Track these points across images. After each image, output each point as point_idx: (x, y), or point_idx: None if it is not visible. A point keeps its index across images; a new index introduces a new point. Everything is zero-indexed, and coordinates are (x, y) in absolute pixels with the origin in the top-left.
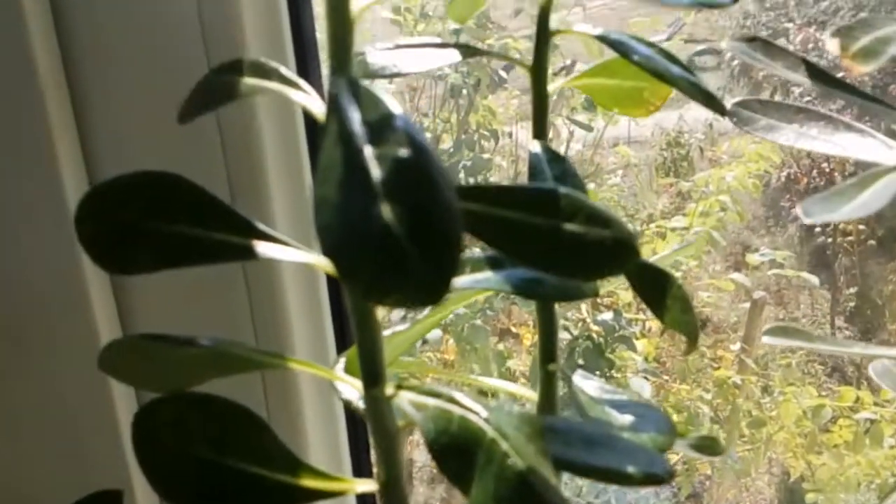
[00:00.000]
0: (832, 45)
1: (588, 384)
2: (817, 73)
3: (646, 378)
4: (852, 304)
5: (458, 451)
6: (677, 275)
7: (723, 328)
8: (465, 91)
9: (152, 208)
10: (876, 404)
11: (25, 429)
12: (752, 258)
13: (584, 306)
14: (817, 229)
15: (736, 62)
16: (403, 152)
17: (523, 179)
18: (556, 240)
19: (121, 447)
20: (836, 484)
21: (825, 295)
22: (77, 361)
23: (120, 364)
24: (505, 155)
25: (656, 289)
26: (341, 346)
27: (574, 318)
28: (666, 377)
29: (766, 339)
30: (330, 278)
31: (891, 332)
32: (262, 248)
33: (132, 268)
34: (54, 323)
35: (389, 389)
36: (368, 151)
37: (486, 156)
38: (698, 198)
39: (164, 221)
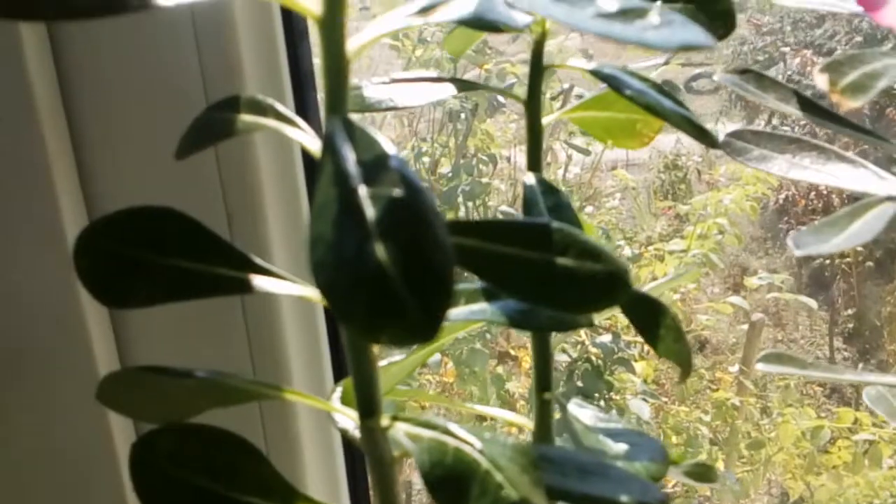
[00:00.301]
0: (821, 81)
1: (583, 413)
2: (809, 106)
3: (645, 400)
4: (850, 325)
5: (452, 482)
6: (675, 297)
7: (721, 350)
8: (463, 115)
9: (150, 242)
10: (874, 425)
11: (24, 459)
12: (751, 282)
13: (583, 329)
14: None
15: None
16: (397, 192)
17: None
18: (549, 274)
19: (119, 477)
20: None
21: (823, 316)
22: (75, 392)
23: (118, 396)
24: (503, 178)
25: (650, 319)
26: (338, 374)
27: (573, 340)
28: (665, 399)
29: (760, 367)
30: (327, 309)
31: (889, 352)
32: (259, 281)
33: (130, 302)
34: (53, 354)
35: (385, 421)
36: (363, 191)
37: (484, 180)
38: (696, 221)
39: (161, 255)
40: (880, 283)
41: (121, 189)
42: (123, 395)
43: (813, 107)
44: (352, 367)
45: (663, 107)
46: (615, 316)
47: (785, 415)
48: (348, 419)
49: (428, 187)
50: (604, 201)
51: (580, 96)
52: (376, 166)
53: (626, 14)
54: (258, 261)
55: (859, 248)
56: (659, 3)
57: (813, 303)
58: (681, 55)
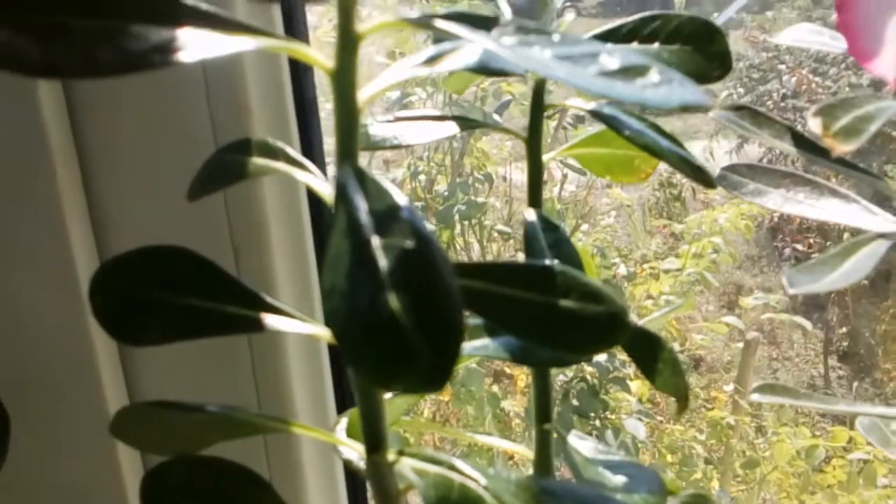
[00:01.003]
0: (814, 124)
1: (582, 444)
2: (803, 142)
3: (640, 419)
4: (845, 343)
5: None
6: (671, 316)
7: (716, 368)
8: (458, 134)
9: (163, 282)
10: (869, 444)
11: (33, 490)
12: (746, 302)
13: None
14: None
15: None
16: (409, 243)
17: (517, 219)
18: (552, 316)
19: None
20: None
21: (818, 334)
22: (84, 424)
23: (131, 429)
24: (499, 196)
25: (648, 353)
26: (341, 403)
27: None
28: (660, 418)
29: (754, 397)
30: (333, 348)
31: (883, 371)
32: (269, 320)
33: (144, 340)
34: (63, 386)
35: (391, 455)
36: (375, 242)
37: (480, 199)
38: (691, 240)
39: (174, 294)
40: (875, 302)
41: (130, 224)
42: (135, 429)
43: (807, 143)
44: (359, 404)
45: (660, 146)
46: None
47: (780, 434)
48: (354, 451)
49: (436, 236)
50: (599, 219)
51: (576, 117)
52: (388, 216)
53: (627, 72)
54: (268, 299)
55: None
56: (658, 51)
57: (808, 323)
58: None
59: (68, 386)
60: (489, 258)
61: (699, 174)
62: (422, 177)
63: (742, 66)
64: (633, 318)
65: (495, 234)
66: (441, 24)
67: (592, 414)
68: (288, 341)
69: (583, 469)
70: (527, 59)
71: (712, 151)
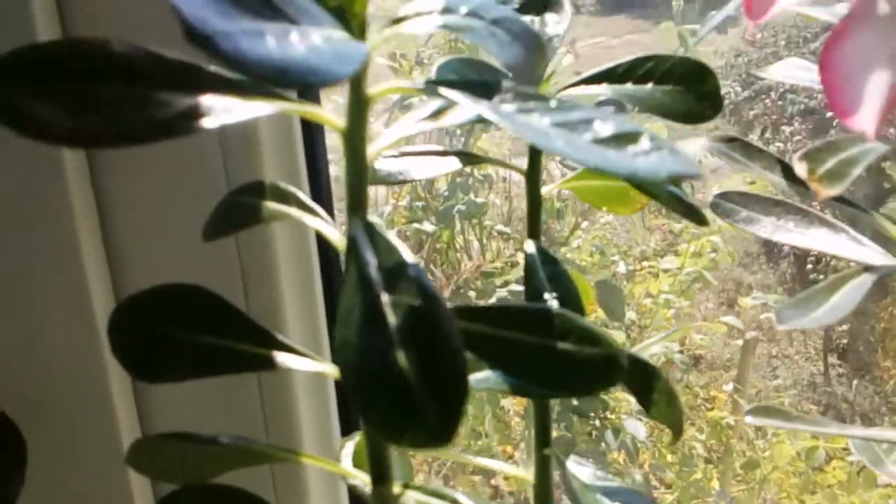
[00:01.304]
0: (800, 169)
1: (581, 470)
2: (792, 174)
3: (640, 419)
4: (845, 341)
5: None
6: (670, 313)
7: (716, 365)
8: (458, 132)
9: (179, 319)
10: None
11: None
12: (745, 301)
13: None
14: (809, 266)
15: (726, 101)
16: (416, 301)
17: (517, 215)
18: (551, 358)
19: None
20: None
21: (818, 332)
22: (98, 454)
23: (145, 460)
24: (499, 193)
25: (643, 383)
26: (345, 426)
27: None
28: None
29: (748, 420)
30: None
31: (883, 368)
32: (280, 358)
33: (162, 377)
34: (78, 418)
35: (397, 488)
36: (385, 298)
37: (480, 199)
38: (689, 238)
39: (190, 332)
40: (874, 300)
41: (144, 261)
42: (150, 460)
43: (796, 176)
44: (367, 440)
45: (653, 186)
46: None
47: (779, 434)
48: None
49: (441, 294)
50: (598, 216)
51: None
52: (396, 273)
53: (619, 139)
54: (280, 337)
55: (852, 264)
56: (647, 130)
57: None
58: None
59: (83, 417)
60: (489, 256)
61: (691, 213)
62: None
63: (741, 61)
64: (629, 348)
65: (495, 233)
66: (445, 92)
67: (592, 414)
68: (295, 375)
69: (581, 495)
70: (526, 129)
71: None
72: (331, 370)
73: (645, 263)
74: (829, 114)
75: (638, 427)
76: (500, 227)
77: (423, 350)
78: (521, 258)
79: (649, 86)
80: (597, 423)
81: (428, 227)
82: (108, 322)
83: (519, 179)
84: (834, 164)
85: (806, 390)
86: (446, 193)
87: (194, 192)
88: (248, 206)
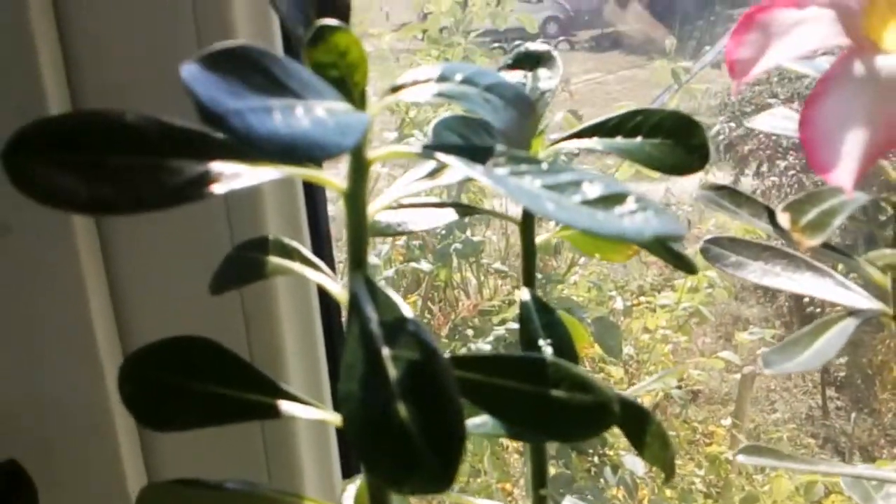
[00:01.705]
0: (782, 220)
1: None
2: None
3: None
4: (843, 373)
5: None
6: (668, 348)
7: (714, 400)
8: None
9: (188, 371)
10: None
11: None
12: (742, 337)
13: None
14: (805, 299)
15: (721, 137)
16: (415, 355)
17: (514, 251)
18: (544, 405)
19: None
20: None
21: None
22: (104, 497)
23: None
24: (495, 230)
25: (636, 426)
26: (346, 468)
27: None
28: None
29: (740, 459)
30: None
31: (881, 401)
32: (284, 406)
33: (171, 426)
34: (85, 462)
35: None
36: (385, 352)
37: (477, 238)
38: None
39: (199, 382)
40: (871, 332)
41: (150, 309)
42: None
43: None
44: (368, 484)
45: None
46: (608, 370)
47: (778, 469)
48: None
49: (439, 348)
50: None
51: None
52: (396, 328)
53: (606, 200)
54: (285, 387)
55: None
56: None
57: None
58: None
59: (91, 463)
60: (486, 294)
61: (680, 262)
62: None
63: (734, 100)
64: (627, 393)
65: (492, 271)
66: (441, 157)
67: (591, 450)
68: (297, 419)
69: None
70: (518, 192)
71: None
72: (333, 418)
73: (642, 299)
74: None
75: (636, 463)
76: (497, 265)
77: (422, 402)
78: (518, 296)
79: (639, 139)
80: (595, 459)
81: (425, 265)
82: (118, 372)
83: (516, 217)
84: (815, 215)
85: (804, 424)
86: (443, 232)
87: (198, 245)
88: (253, 261)
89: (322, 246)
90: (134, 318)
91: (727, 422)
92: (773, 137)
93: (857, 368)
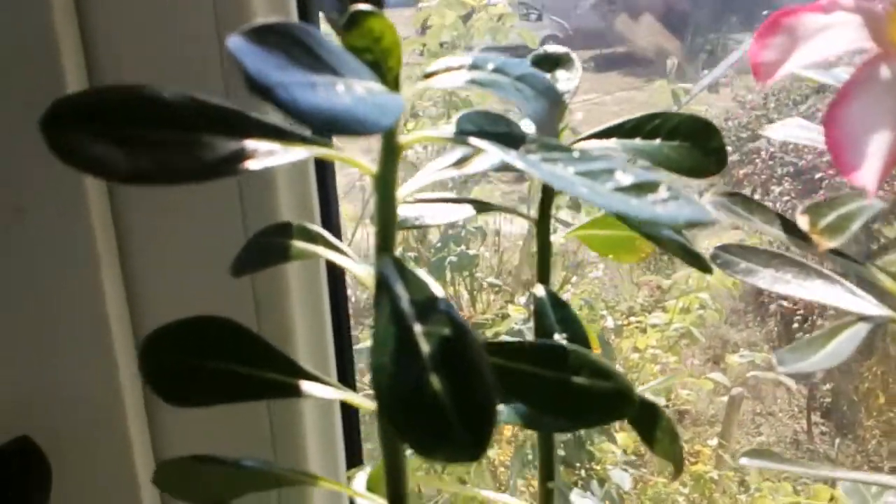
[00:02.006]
0: (802, 222)
1: (585, 502)
2: (791, 228)
3: (625, 470)
4: (828, 399)
5: None
6: (657, 368)
7: (700, 421)
8: (450, 185)
9: (207, 349)
10: None
11: None
12: (732, 359)
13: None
14: (795, 325)
15: None
16: (448, 331)
17: (507, 268)
18: (566, 391)
19: None
20: None
21: (802, 390)
22: (113, 476)
23: (171, 480)
24: (488, 246)
25: (648, 422)
26: (350, 459)
27: None
28: (644, 470)
29: (743, 461)
30: (343, 405)
31: (866, 428)
32: (305, 386)
33: (191, 402)
34: (94, 444)
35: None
36: (418, 328)
37: (471, 252)
38: (678, 294)
39: (218, 361)
40: (858, 360)
41: (161, 291)
42: (175, 480)
43: (795, 230)
44: (386, 463)
45: (660, 235)
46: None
47: (762, 489)
48: None
49: (469, 324)
50: (587, 271)
51: None
52: (427, 306)
53: (639, 188)
54: (308, 368)
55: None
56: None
57: (791, 382)
58: None
59: (100, 442)
60: (479, 308)
61: (697, 261)
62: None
63: (731, 125)
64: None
65: (486, 285)
66: (474, 141)
67: (578, 464)
68: (304, 401)
69: None
70: (552, 177)
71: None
72: (353, 398)
73: (633, 318)
74: (818, 175)
75: (623, 478)
76: (490, 279)
77: (454, 375)
78: (511, 310)
79: (657, 141)
80: (582, 472)
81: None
82: (139, 350)
83: (509, 233)
84: (834, 219)
85: (789, 447)
86: (438, 244)
87: (211, 229)
88: (276, 245)
89: (333, 234)
90: (146, 302)
91: (713, 442)
92: (770, 163)
93: (843, 395)
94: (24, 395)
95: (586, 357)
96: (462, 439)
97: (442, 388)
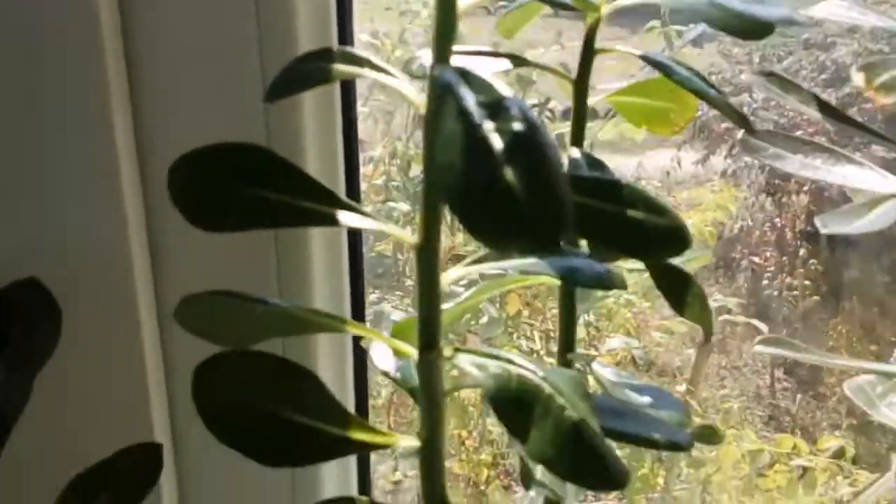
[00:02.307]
0: (857, 79)
1: (605, 371)
2: (827, 109)
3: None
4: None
5: (517, 404)
6: (629, 315)
7: (666, 372)
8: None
9: (240, 173)
10: (811, 453)
11: (69, 394)
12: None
13: (539, 338)
14: (765, 282)
15: (699, 114)
16: (519, 126)
17: None
18: (621, 224)
19: (149, 419)
20: None
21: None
22: (118, 325)
23: (192, 315)
24: None
25: (679, 288)
26: (355, 312)
27: (530, 348)
28: None
29: (757, 349)
30: (351, 251)
31: (827, 385)
32: (343, 216)
33: (221, 226)
34: (99, 288)
35: (448, 351)
36: (488, 125)
37: None
38: None
39: (252, 186)
40: (824, 319)
41: (171, 130)
42: (196, 316)
43: (830, 109)
44: (420, 301)
45: (708, 92)
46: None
47: (727, 437)
48: (390, 359)
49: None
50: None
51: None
52: (495, 105)
53: None
54: (343, 197)
55: (807, 283)
56: None
57: (764, 326)
58: None
59: (105, 287)
60: (460, 239)
61: (742, 121)
62: (397, 160)
63: (715, 79)
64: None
65: None
66: None
67: None
68: (312, 240)
69: (611, 391)
70: None
71: (680, 161)
72: (395, 230)
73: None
74: (798, 133)
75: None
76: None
77: (528, 167)
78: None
79: None
80: None
81: (403, 206)
82: (168, 172)
83: None
84: (888, 78)
85: (751, 402)
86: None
87: (224, 60)
88: (319, 69)
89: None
90: (154, 140)
91: (682, 388)
92: (751, 119)
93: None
94: (31, 238)
95: (641, 192)
96: (538, 227)
97: (516, 179)
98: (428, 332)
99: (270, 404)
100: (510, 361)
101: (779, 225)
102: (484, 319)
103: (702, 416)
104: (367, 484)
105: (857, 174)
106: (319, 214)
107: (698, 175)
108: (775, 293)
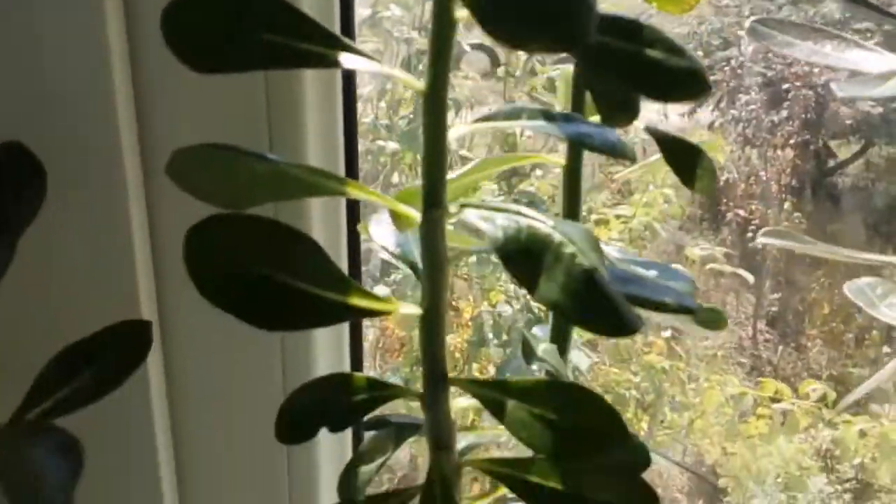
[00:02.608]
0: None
1: (609, 249)
2: None
3: (581, 350)
4: (775, 309)
5: (526, 254)
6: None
7: (652, 319)
8: (421, 67)
9: (238, 15)
10: (794, 396)
11: (53, 261)
12: (693, 252)
13: None
14: (749, 234)
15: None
16: None
17: (476, 142)
18: (641, 62)
19: (138, 311)
20: (748, 472)
21: (750, 298)
22: (105, 188)
23: (186, 169)
24: (464, 119)
25: (689, 161)
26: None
27: (517, 293)
28: (597, 359)
29: (761, 240)
30: (345, 102)
31: (808, 336)
32: (343, 58)
33: (220, 69)
34: (86, 151)
35: (454, 208)
36: None
37: None
38: (644, 188)
39: (250, 29)
40: (807, 272)
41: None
42: (191, 170)
43: None
44: (425, 157)
45: None
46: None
47: (711, 381)
48: (390, 230)
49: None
50: (551, 167)
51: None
52: None
53: None
54: (345, 39)
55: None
56: None
57: (750, 276)
58: None
59: (92, 149)
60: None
61: None
62: (386, 98)
63: (704, 30)
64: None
65: (458, 158)
66: None
67: None
68: (306, 92)
69: (619, 265)
70: None
71: (666, 113)
72: (399, 74)
73: (593, 217)
74: (785, 86)
75: (581, 358)
76: (463, 151)
77: None
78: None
79: None
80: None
81: (392, 145)
82: (161, 15)
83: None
84: None
85: (734, 352)
86: (412, 115)
87: None
88: None
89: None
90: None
91: (667, 333)
92: (739, 72)
93: (789, 306)
94: (14, 99)
95: (660, 34)
96: (559, 23)
97: None
98: (432, 187)
99: (266, 268)
100: (519, 213)
101: (764, 178)
102: (472, 259)
103: (688, 363)
104: (360, 362)
105: (866, 57)
106: (318, 55)
107: (685, 128)
108: (759, 245)
